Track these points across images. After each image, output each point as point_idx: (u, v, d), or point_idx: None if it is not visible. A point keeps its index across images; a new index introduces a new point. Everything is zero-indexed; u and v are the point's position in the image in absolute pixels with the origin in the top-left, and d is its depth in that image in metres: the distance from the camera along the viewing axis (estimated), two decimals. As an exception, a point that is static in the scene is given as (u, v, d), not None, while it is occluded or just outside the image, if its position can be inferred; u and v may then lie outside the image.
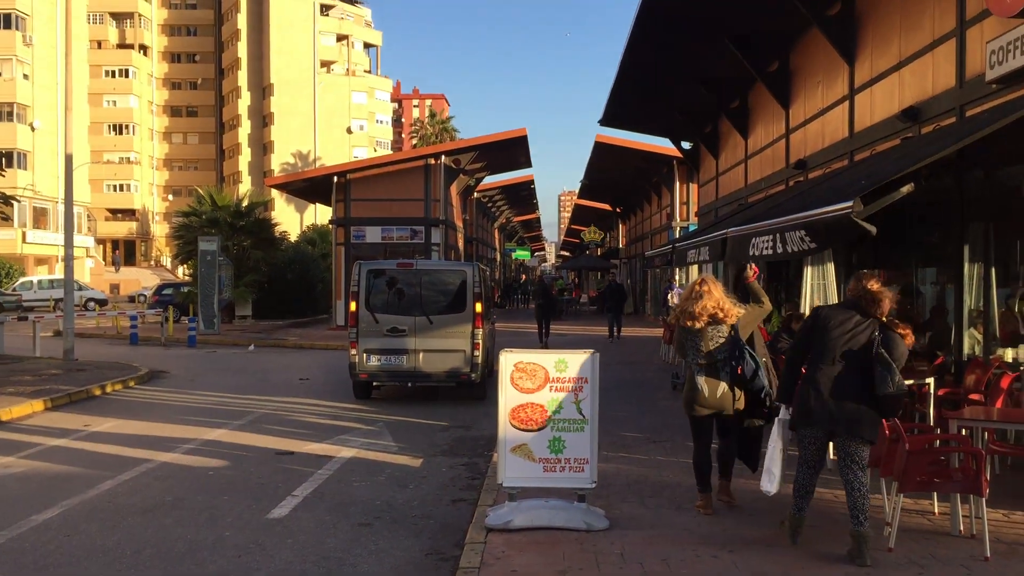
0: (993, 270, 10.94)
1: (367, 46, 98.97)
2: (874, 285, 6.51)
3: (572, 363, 7.49)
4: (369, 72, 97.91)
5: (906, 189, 7.82)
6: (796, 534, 6.67)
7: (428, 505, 8.53)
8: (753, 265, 8.43)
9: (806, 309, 15.08)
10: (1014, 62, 9.29)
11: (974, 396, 9.35)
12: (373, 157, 56.70)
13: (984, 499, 6.47)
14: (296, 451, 10.96)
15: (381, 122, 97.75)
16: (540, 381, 7.48)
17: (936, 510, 7.46)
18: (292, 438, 11.77)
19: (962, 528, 6.90)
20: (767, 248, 9.56)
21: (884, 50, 13.58)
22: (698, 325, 7.55)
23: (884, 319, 6.51)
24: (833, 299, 14.94)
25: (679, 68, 21.01)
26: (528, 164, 47.21)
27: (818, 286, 15.10)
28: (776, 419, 6.88)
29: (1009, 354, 10.50)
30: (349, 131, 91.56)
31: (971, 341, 11.32)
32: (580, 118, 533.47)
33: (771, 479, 6.83)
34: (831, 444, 7.00)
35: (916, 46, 12.35)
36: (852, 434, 6.36)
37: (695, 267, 31.49)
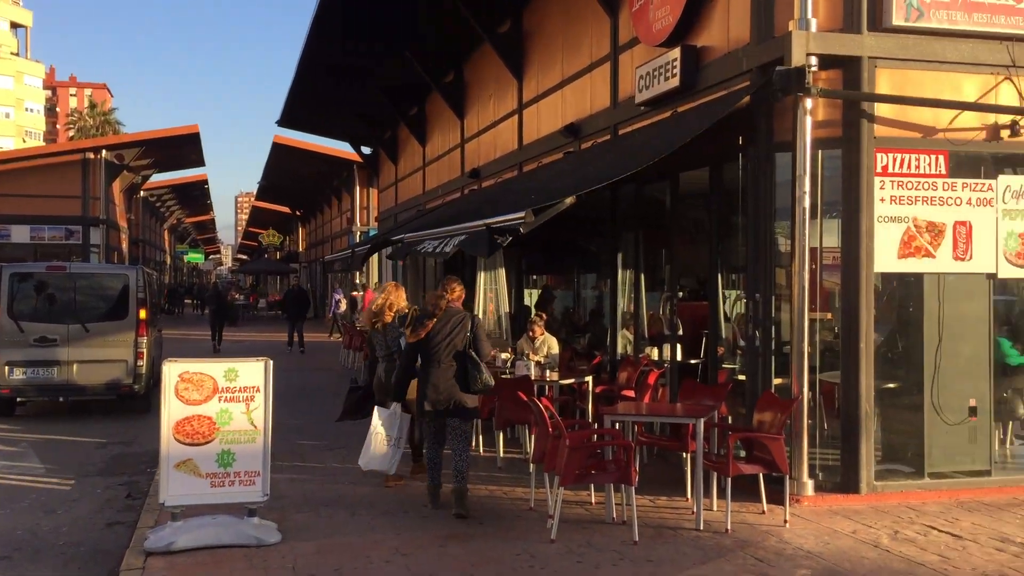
0: (642, 276, 12.00)
1: (14, 26, 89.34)
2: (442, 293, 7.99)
3: (244, 372, 7.17)
4: (17, 55, 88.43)
5: (569, 201, 8.37)
6: (436, 500, 7.87)
7: (79, 531, 7.79)
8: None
9: (480, 312, 15.68)
10: (657, 87, 10.24)
11: (626, 392, 10.16)
12: (22, 148, 51.34)
13: (634, 488, 7.04)
14: (-82, 481, 9.56)
15: (32, 111, 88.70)
16: (208, 392, 7.09)
17: (593, 500, 8.01)
18: (-87, 466, 10.27)
19: (615, 515, 7.47)
20: (444, 249, 9.81)
21: (549, 69, 14.45)
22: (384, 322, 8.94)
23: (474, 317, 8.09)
24: (504, 303, 15.66)
25: (359, 73, 21.02)
26: (201, 163, 45.06)
27: (490, 290, 15.75)
28: (380, 409, 8.19)
29: (655, 353, 11.55)
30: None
31: (624, 341, 12.34)
32: (259, 118, 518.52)
33: (365, 457, 8.13)
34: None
35: (576, 67, 13.27)
36: (462, 416, 7.83)
37: (375, 270, 31.73)
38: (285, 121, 27.29)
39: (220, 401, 7.08)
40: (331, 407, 14.44)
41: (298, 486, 8.72)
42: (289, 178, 43.66)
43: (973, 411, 8.41)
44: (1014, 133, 8.33)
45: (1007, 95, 8.37)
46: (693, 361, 11.14)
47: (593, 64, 12.71)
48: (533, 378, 10.02)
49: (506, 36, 15.89)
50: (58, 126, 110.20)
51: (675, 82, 9.83)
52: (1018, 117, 8.28)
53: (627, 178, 11.45)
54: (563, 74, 13.83)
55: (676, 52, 9.81)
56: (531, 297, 17.11)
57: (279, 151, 36.51)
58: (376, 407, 8.31)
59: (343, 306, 31.92)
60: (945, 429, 8.36)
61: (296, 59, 20.90)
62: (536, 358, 10.87)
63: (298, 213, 56.31)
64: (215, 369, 7.12)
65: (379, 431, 8.11)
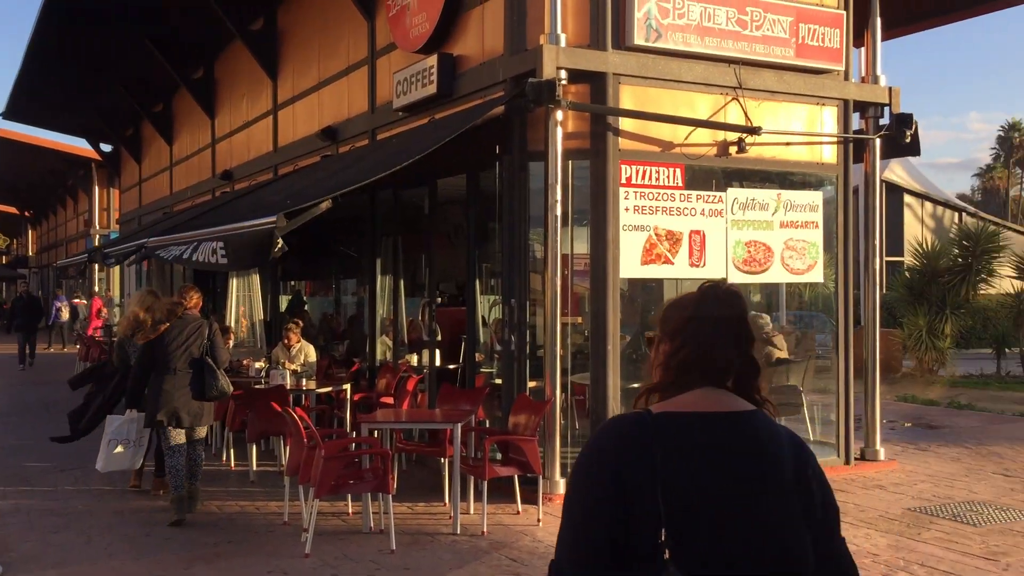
0: (402, 281, 11.98)
1: None
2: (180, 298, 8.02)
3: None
4: None
5: (325, 205, 8.16)
6: (181, 508, 7.57)
7: None
8: None
9: (231, 320, 15.04)
10: (415, 93, 10.26)
11: (385, 399, 10.09)
12: None
13: (391, 496, 6.98)
14: None
15: None
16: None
17: (350, 510, 7.87)
18: None
19: (372, 525, 7.36)
20: (193, 257, 9.27)
21: (305, 70, 14.12)
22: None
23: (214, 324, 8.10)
24: (259, 308, 15.12)
25: (96, 65, 19.56)
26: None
27: (243, 297, 15.15)
28: (111, 417, 8.00)
29: (414, 358, 11.56)
30: None
31: (383, 347, 12.25)
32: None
33: (102, 461, 7.92)
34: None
35: (334, 69, 13.05)
36: (197, 423, 7.80)
37: (117, 275, 29.68)
38: (10, 113, 24.91)
39: (-73, 423, 6.31)
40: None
41: (24, 512, 7.94)
42: (15, 175, 39.96)
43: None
44: (740, 150, 9.04)
45: (735, 114, 9.08)
46: (452, 366, 11.25)
47: (351, 67, 12.54)
48: (288, 387, 9.72)
49: (260, 34, 15.36)
50: None
51: (432, 89, 9.88)
52: (744, 135, 9.00)
53: (386, 183, 11.39)
54: (320, 76, 13.55)
55: (433, 59, 9.87)
56: (286, 304, 16.66)
57: (3, 145, 33.32)
58: (108, 415, 8.11)
59: (65, 314, 29.71)
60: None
61: (24, 44, 19.16)
62: (292, 367, 10.55)
63: (27, 214, 51.68)
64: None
65: (115, 438, 7.91)
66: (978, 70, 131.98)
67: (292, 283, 17.69)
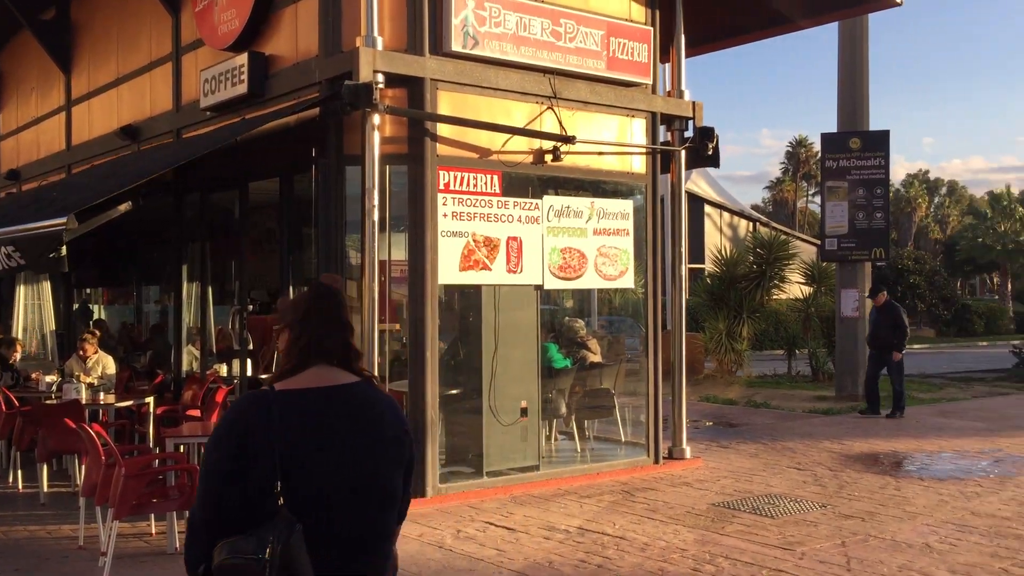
0: (210, 288, 11.46)
1: None
2: None
3: None
4: None
5: (124, 208, 7.70)
6: None
7: None
8: None
9: (19, 331, 13.93)
10: (224, 93, 9.85)
11: (192, 412, 9.61)
12: None
13: (200, 513, 6.61)
14: None
15: None
16: None
17: (154, 531, 7.41)
18: None
19: (178, 545, 6.97)
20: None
21: (103, 64, 13.29)
22: None
23: None
24: (50, 317, 14.09)
25: None
26: None
27: (32, 305, 14.06)
28: None
29: (224, 369, 11.08)
30: None
31: (189, 358, 11.68)
32: None
33: None
34: None
35: (134, 65, 12.35)
36: None
37: None
38: None
39: None
40: None
41: None
42: None
43: (524, 412, 9.15)
44: (556, 158, 9.23)
45: (550, 123, 9.25)
46: (264, 376, 10.86)
47: (153, 63, 11.90)
48: (84, 402, 9.07)
49: (51, 24, 14.32)
50: None
51: (243, 88, 9.52)
52: (559, 143, 9.19)
53: (192, 186, 10.91)
54: (119, 71, 12.78)
55: (244, 58, 9.51)
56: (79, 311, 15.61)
57: None
58: None
59: None
60: (500, 430, 9.00)
61: None
62: (88, 380, 9.86)
63: None
64: None
65: None
66: (770, 89, 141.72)
67: (87, 290, 16.58)
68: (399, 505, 2.65)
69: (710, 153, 10.35)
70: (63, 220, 6.95)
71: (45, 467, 8.66)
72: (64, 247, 6.82)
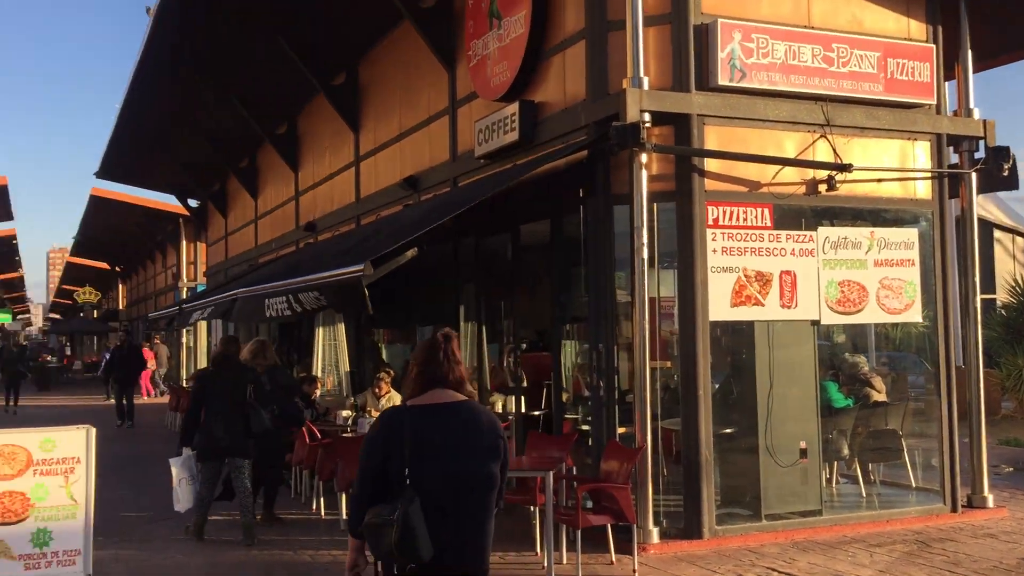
0: (484, 328, 11.98)
1: None
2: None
3: (62, 441, 6.60)
4: None
5: (410, 254, 8.23)
6: (201, 533, 8.69)
7: None
8: None
9: (318, 370, 15.22)
10: (496, 141, 10.33)
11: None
12: None
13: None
14: None
15: None
16: (21, 465, 6.47)
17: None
18: None
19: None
20: (282, 309, 9.41)
21: (387, 121, 14.37)
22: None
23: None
24: (344, 357, 15.28)
25: (185, 123, 20.28)
26: (9, 217, 42.11)
27: (330, 346, 15.33)
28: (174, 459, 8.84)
29: (499, 405, 11.50)
30: None
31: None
32: (74, 169, 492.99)
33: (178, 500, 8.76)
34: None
35: (415, 120, 13.25)
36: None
37: (203, 328, 30.41)
38: (104, 172, 25.96)
39: (35, 475, 6.48)
40: (157, 474, 13.56)
41: (124, 563, 8.06)
42: (108, 232, 41.45)
43: (803, 453, 8.77)
44: (831, 187, 8.86)
45: (823, 151, 8.91)
46: (536, 412, 11.16)
47: (431, 117, 12.72)
48: (376, 436, 9.73)
49: (342, 88, 15.72)
50: None
51: (514, 136, 9.94)
52: (834, 172, 8.82)
53: (468, 230, 11.48)
54: (401, 127, 13.77)
55: (515, 107, 9.94)
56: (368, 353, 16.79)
57: (97, 204, 34.64)
58: (170, 459, 8.96)
59: None
60: (778, 471, 8.67)
61: (116, 109, 19.97)
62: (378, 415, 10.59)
63: (118, 269, 53.48)
64: (29, 439, 6.52)
65: (182, 476, 8.74)
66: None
67: (373, 331, 17.84)
68: (497, 487, 3.60)
69: (1006, 174, 9.52)
70: (360, 267, 7.55)
71: (344, 496, 9.37)
72: (366, 290, 7.40)
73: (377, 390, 11.17)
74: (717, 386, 8.86)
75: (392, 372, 11.61)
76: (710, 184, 8.55)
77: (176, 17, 14.11)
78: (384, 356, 16.53)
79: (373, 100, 15.04)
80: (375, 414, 10.64)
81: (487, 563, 3.57)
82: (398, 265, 8.26)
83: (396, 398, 11.18)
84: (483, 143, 10.67)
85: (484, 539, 3.55)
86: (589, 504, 7.96)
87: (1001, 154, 9.54)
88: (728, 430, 8.80)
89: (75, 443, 6.62)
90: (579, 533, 7.27)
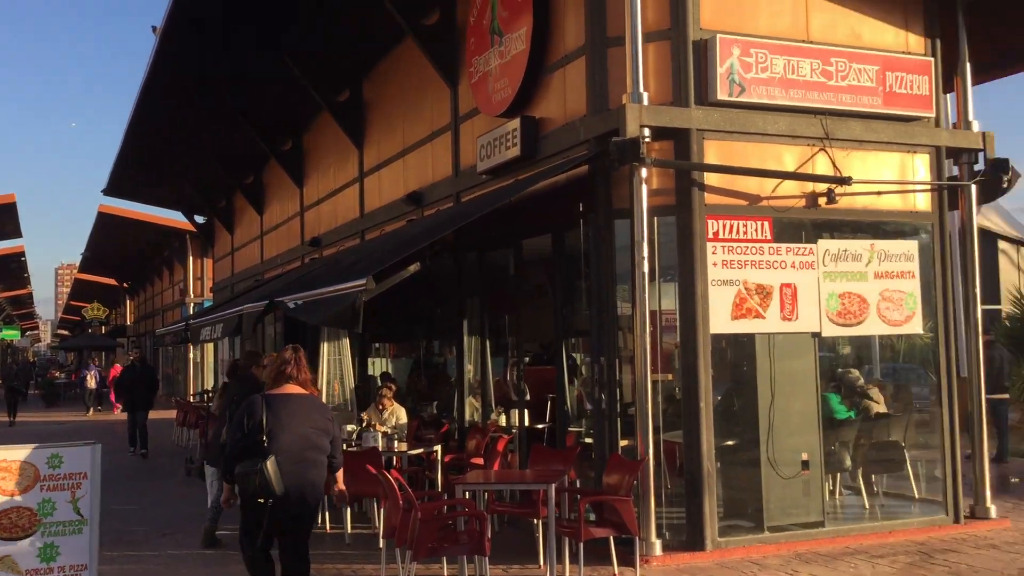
0: (487, 342, 12.04)
1: None
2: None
3: (69, 457, 6.65)
4: None
5: (412, 268, 8.31)
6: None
7: None
8: None
9: (322, 384, 15.26)
10: (498, 156, 10.42)
11: (476, 460, 10.08)
12: None
13: (487, 558, 6.93)
14: None
15: None
16: (29, 480, 6.53)
17: (446, 572, 7.84)
18: None
19: (470, 588, 7.31)
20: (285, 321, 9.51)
21: (390, 138, 14.49)
22: None
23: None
24: (349, 373, 15.36)
25: (191, 140, 20.42)
26: (18, 234, 42.33)
27: (335, 360, 15.40)
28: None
29: (503, 419, 11.55)
30: None
31: (471, 408, 12.29)
32: (81, 186, 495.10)
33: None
34: None
35: (418, 136, 13.36)
36: None
37: (210, 344, 30.51)
38: (111, 189, 26.11)
39: (42, 490, 6.53)
40: (164, 489, 13.64)
41: (129, 577, 8.12)
42: (116, 249, 41.67)
43: (805, 464, 8.79)
44: (830, 200, 8.92)
45: (823, 165, 8.98)
46: (540, 426, 11.20)
47: (434, 133, 12.82)
48: (380, 449, 9.79)
49: (346, 105, 15.85)
50: None
51: (515, 151, 10.03)
52: (833, 185, 8.88)
53: (471, 245, 11.57)
54: (404, 143, 13.88)
55: (516, 123, 10.03)
56: (375, 367, 16.85)
57: (105, 221, 34.86)
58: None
59: (91, 383, 32.11)
60: (780, 483, 8.70)
61: (123, 126, 20.13)
62: (383, 429, 10.65)
63: (126, 285, 53.69)
64: (37, 456, 6.58)
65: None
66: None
67: (376, 345, 17.90)
68: (326, 452, 6.11)
69: (1005, 186, 9.57)
70: (362, 282, 7.63)
71: (348, 510, 9.42)
72: (361, 308, 7.47)
73: (379, 405, 11.22)
74: (719, 398, 8.90)
75: (394, 387, 11.67)
76: (710, 198, 8.62)
77: (181, 36, 14.26)
78: (389, 369, 16.61)
79: (377, 117, 15.16)
80: (380, 428, 10.68)
81: (317, 500, 6.13)
82: (401, 279, 8.34)
83: (399, 411, 11.24)
84: (485, 158, 10.76)
85: (316, 484, 6.05)
86: (592, 516, 7.99)
87: (1000, 166, 9.59)
88: (730, 442, 8.83)
89: (81, 459, 6.67)
90: (581, 545, 7.31)
